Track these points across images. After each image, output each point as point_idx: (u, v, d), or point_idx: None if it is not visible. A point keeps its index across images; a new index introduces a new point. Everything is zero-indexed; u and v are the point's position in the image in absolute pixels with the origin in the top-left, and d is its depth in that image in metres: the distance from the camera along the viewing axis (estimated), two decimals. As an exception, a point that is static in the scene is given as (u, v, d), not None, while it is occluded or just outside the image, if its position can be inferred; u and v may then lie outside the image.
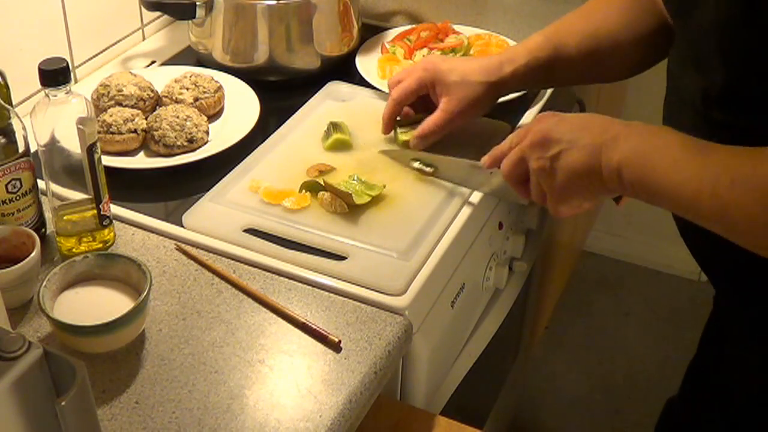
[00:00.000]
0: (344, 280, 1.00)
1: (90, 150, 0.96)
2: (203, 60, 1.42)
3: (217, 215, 1.08)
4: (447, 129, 1.16)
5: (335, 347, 0.93)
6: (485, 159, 1.06)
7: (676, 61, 1.03)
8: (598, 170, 0.92)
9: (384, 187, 1.11)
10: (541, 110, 1.33)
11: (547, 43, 1.15)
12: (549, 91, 1.37)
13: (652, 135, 0.90)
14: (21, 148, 0.97)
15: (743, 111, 0.91)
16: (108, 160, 1.13)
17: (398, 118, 1.22)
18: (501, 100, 1.26)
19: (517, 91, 1.25)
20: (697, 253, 1.09)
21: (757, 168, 0.82)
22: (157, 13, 1.50)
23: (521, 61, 1.15)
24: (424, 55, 1.42)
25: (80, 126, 0.94)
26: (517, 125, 1.29)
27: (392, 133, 1.22)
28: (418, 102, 1.21)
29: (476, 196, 1.14)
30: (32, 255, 0.94)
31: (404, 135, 1.20)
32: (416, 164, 1.15)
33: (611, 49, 1.15)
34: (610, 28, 1.15)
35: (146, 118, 1.21)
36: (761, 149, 0.83)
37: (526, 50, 1.16)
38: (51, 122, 0.95)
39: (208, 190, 1.12)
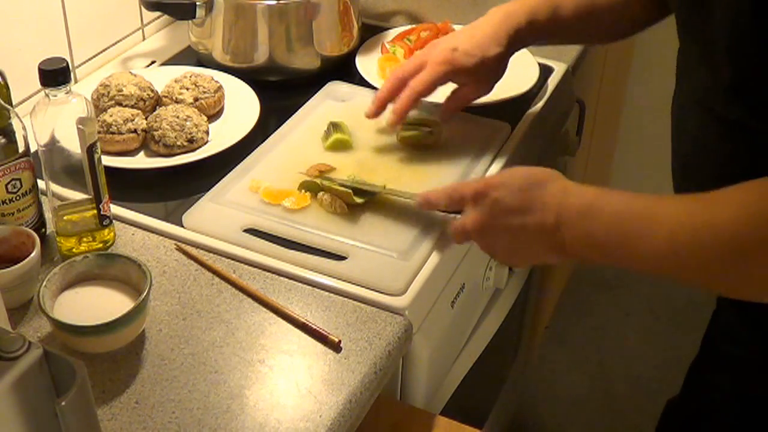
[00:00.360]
0: (344, 280, 1.00)
1: (90, 150, 0.96)
2: (203, 60, 1.42)
3: (217, 215, 1.08)
4: (477, 95, 1.21)
5: (335, 347, 0.93)
6: (421, 202, 1.05)
7: (684, 60, 1.03)
8: (554, 251, 0.92)
9: (384, 187, 1.11)
10: (541, 111, 1.33)
11: (544, 6, 1.16)
12: (549, 91, 1.37)
13: (590, 215, 0.89)
14: (21, 148, 0.97)
15: (753, 108, 0.90)
16: (108, 160, 1.13)
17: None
18: (501, 98, 1.26)
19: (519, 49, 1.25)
20: None
21: (710, 215, 0.82)
22: (157, 13, 1.50)
23: (522, 25, 1.16)
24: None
25: (80, 126, 0.94)
26: (520, 120, 1.29)
27: (390, 128, 1.22)
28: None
29: (476, 196, 1.14)
30: (32, 255, 0.94)
31: (405, 132, 1.20)
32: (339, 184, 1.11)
33: (607, 12, 1.17)
34: None
35: (146, 118, 1.21)
36: (713, 194, 0.82)
37: (524, 12, 1.16)
38: (51, 122, 0.95)
39: (208, 190, 1.12)
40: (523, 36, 1.16)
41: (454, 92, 1.21)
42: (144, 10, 1.44)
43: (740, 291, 0.87)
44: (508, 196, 0.94)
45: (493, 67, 1.17)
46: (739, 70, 0.89)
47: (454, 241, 1.02)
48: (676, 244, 0.83)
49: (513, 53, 1.19)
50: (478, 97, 1.21)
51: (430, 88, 1.16)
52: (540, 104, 1.34)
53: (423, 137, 1.20)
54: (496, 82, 1.20)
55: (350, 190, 1.08)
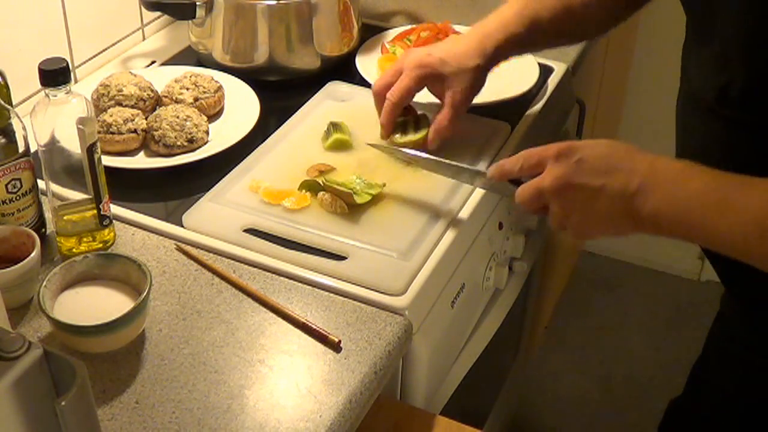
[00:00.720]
0: (344, 280, 1.00)
1: (90, 150, 0.96)
2: (203, 60, 1.42)
3: (217, 215, 1.08)
4: (457, 120, 1.17)
5: (335, 347, 0.93)
6: (493, 170, 1.03)
7: (692, 61, 1.03)
8: (629, 220, 0.90)
9: (384, 185, 1.11)
10: (541, 111, 1.33)
11: (521, 19, 1.15)
12: (549, 91, 1.37)
13: (680, 181, 0.87)
14: (21, 148, 0.97)
15: (763, 109, 0.90)
16: (108, 160, 1.13)
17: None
18: (500, 98, 1.26)
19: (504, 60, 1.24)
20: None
21: None
22: (157, 13, 1.50)
23: (499, 37, 1.15)
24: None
25: (80, 126, 0.94)
26: (520, 120, 1.29)
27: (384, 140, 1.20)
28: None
29: (476, 196, 1.14)
30: (32, 255, 0.94)
31: (400, 139, 1.19)
32: (408, 152, 1.14)
33: (582, 14, 1.16)
34: None
35: (146, 118, 1.21)
36: None
37: (502, 27, 1.15)
38: (51, 122, 0.95)
39: (208, 190, 1.12)
40: (502, 50, 1.15)
41: (436, 121, 1.17)
42: (144, 10, 1.44)
43: None
44: (593, 156, 0.91)
45: (469, 79, 1.14)
46: (753, 70, 0.89)
47: (524, 207, 0.98)
48: (764, 228, 0.81)
49: (492, 67, 1.17)
50: (459, 110, 1.17)
51: (407, 95, 1.16)
52: (540, 104, 1.34)
53: (417, 141, 1.19)
54: (473, 96, 1.17)
55: (351, 191, 1.08)
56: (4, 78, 1.00)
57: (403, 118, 1.20)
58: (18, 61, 1.20)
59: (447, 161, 1.11)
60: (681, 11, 1.05)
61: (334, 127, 1.22)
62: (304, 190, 1.11)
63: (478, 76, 1.15)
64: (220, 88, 1.29)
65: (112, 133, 1.17)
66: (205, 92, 1.27)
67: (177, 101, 1.26)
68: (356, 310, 0.98)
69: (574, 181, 0.92)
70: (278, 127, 1.25)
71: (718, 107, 0.94)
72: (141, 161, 1.18)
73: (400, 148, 1.15)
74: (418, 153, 1.14)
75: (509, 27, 1.15)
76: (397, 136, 1.19)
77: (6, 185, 0.97)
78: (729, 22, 0.90)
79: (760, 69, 0.88)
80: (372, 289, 0.99)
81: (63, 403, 0.60)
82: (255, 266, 1.03)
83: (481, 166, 1.18)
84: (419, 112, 1.22)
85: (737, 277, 1.06)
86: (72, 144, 0.96)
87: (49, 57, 0.93)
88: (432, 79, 1.15)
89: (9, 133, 0.96)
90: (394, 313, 0.97)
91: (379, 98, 1.18)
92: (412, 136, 1.19)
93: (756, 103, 0.91)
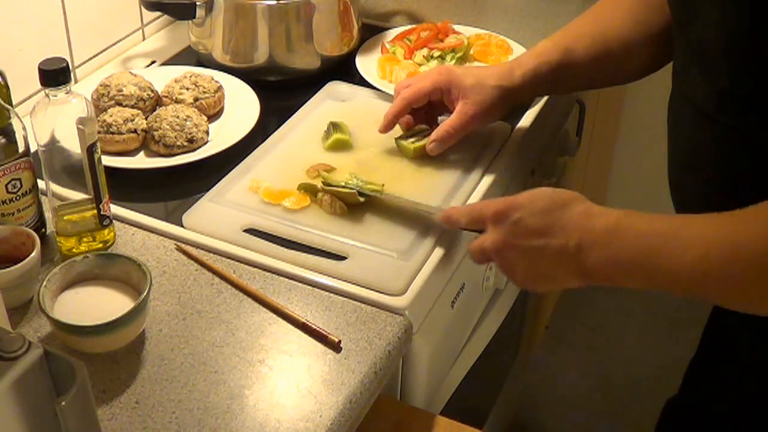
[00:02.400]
0: (344, 280, 1.00)
1: (90, 150, 0.96)
2: (203, 60, 1.42)
3: (217, 215, 1.08)
4: (463, 133, 1.16)
5: (335, 347, 0.93)
6: (442, 218, 1.03)
7: (679, 64, 1.03)
8: (576, 274, 0.91)
9: (383, 185, 1.11)
10: (541, 111, 1.33)
11: (555, 48, 1.15)
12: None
13: (615, 235, 0.88)
14: (21, 148, 0.97)
15: (748, 112, 0.90)
16: (108, 160, 1.13)
17: (406, 123, 1.20)
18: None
19: (530, 97, 1.23)
20: None
21: (739, 233, 0.81)
22: (157, 13, 1.50)
23: (530, 65, 1.14)
24: (423, 56, 1.42)
25: (80, 126, 0.94)
26: (520, 120, 1.29)
27: (393, 139, 1.20)
28: (419, 112, 1.20)
29: (477, 196, 1.14)
30: (32, 255, 0.94)
31: (409, 144, 1.18)
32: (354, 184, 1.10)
33: (621, 50, 1.14)
34: (619, 30, 1.14)
35: (146, 118, 1.21)
36: (738, 212, 0.82)
37: (534, 55, 1.15)
38: (51, 122, 0.95)
39: (208, 190, 1.12)
40: (532, 78, 1.14)
41: (440, 126, 1.17)
42: (144, 10, 1.44)
43: None
44: (529, 217, 0.92)
45: (486, 97, 1.14)
46: (734, 74, 0.89)
47: (473, 260, 1.00)
48: (709, 264, 0.82)
49: (518, 96, 1.16)
50: (467, 122, 1.15)
51: (421, 95, 1.16)
52: (540, 104, 1.34)
53: (418, 149, 1.19)
54: (488, 116, 1.16)
55: (354, 191, 1.07)
56: (4, 78, 1.00)
57: (424, 126, 1.20)
58: (18, 61, 1.20)
59: (406, 200, 1.09)
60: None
61: (334, 127, 1.22)
62: (304, 190, 1.11)
63: (496, 98, 1.14)
64: (220, 88, 1.29)
65: (112, 133, 1.17)
66: (205, 92, 1.27)
67: (177, 101, 1.26)
68: (356, 310, 0.98)
69: (513, 243, 0.93)
70: (278, 127, 1.25)
71: (712, 114, 0.95)
72: (141, 161, 1.18)
73: (356, 189, 1.09)
74: (384, 197, 1.10)
75: (541, 55, 1.15)
76: (407, 139, 1.19)
77: (6, 185, 0.97)
78: (708, 27, 0.90)
79: (741, 74, 0.89)
80: (372, 289, 0.99)
81: (63, 403, 0.60)
82: (255, 266, 1.03)
83: (481, 167, 1.18)
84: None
85: None
86: (72, 144, 0.96)
87: (49, 57, 0.93)
88: (450, 88, 1.15)
89: (9, 133, 0.96)
90: (394, 313, 0.97)
91: (397, 95, 1.18)
92: (418, 142, 1.18)
93: (738, 107, 0.91)
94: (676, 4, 0.99)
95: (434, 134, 1.16)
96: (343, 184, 1.09)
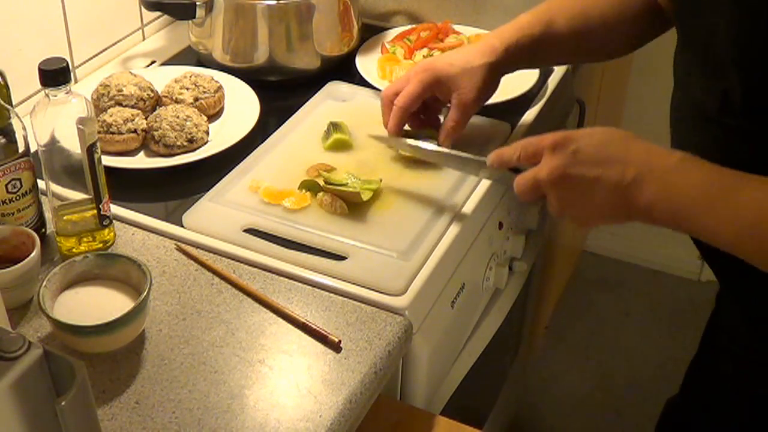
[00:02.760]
0: (344, 280, 1.00)
1: (90, 150, 0.96)
2: (203, 60, 1.42)
3: (217, 215, 1.08)
4: (467, 121, 1.15)
5: (335, 347, 0.93)
6: (493, 159, 1.03)
7: (683, 68, 1.03)
8: (624, 209, 0.91)
9: (380, 180, 1.11)
10: (541, 111, 1.33)
11: (536, 21, 1.14)
12: (549, 91, 1.37)
13: (675, 175, 0.88)
14: (21, 148, 0.97)
15: (754, 115, 0.90)
16: (108, 160, 1.13)
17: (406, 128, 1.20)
18: (501, 99, 1.26)
19: (512, 69, 1.22)
20: (697, 240, 1.08)
21: None
22: (157, 13, 1.50)
23: (512, 38, 1.14)
24: (423, 56, 1.41)
25: (80, 126, 0.94)
26: (518, 124, 1.29)
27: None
28: (414, 113, 1.19)
29: (477, 196, 1.14)
30: (32, 255, 0.94)
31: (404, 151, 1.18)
32: (411, 142, 1.14)
33: (601, 27, 1.14)
34: (599, 7, 1.14)
35: (146, 118, 1.21)
36: None
37: (516, 28, 1.15)
38: (51, 122, 0.95)
39: (208, 190, 1.12)
40: (515, 51, 1.14)
41: (444, 123, 1.16)
42: (144, 10, 1.44)
43: None
44: (590, 146, 0.92)
45: (477, 78, 1.13)
46: (741, 74, 0.89)
47: (521, 197, 0.98)
48: (758, 229, 0.82)
49: (503, 69, 1.16)
50: (468, 111, 1.15)
51: (414, 100, 1.14)
52: (540, 104, 1.34)
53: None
54: (483, 96, 1.16)
55: (358, 191, 1.08)
56: (4, 78, 1.00)
57: (427, 130, 1.19)
58: (18, 61, 1.20)
59: (450, 151, 1.10)
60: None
61: (334, 127, 1.22)
62: (304, 190, 1.11)
63: (486, 75, 1.13)
64: (220, 88, 1.29)
65: (112, 133, 1.17)
66: (205, 92, 1.27)
67: (177, 101, 1.26)
68: (356, 310, 0.98)
69: (570, 172, 0.92)
70: (278, 127, 1.25)
71: (718, 115, 0.94)
72: (141, 161, 1.18)
73: (404, 139, 1.14)
74: (421, 143, 1.13)
75: (523, 28, 1.14)
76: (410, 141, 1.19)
77: (6, 185, 0.97)
78: (716, 32, 0.90)
79: (751, 78, 0.88)
80: (372, 289, 0.99)
81: (63, 403, 0.60)
82: (255, 266, 1.03)
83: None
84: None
85: (734, 275, 1.06)
86: (72, 144, 0.96)
87: (49, 57, 0.93)
88: (439, 83, 1.14)
89: (9, 133, 0.96)
90: (394, 313, 0.97)
91: (387, 105, 1.17)
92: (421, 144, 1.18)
93: (746, 110, 0.91)
94: (681, 5, 0.99)
95: (441, 135, 1.16)
96: (345, 183, 1.09)
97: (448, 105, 1.16)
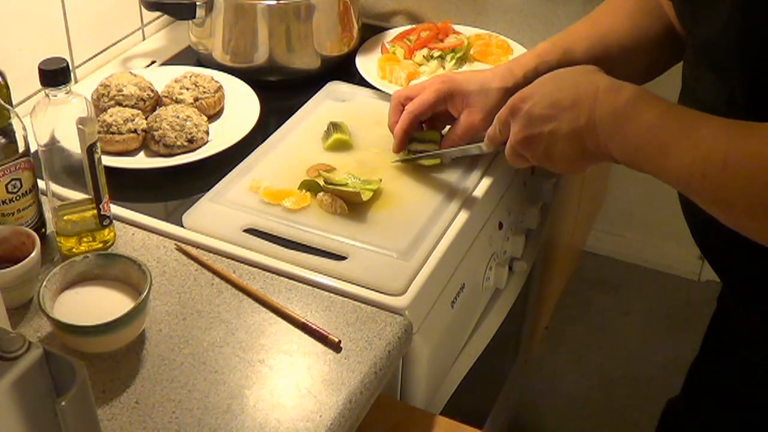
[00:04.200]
0: (344, 280, 1.00)
1: (90, 150, 0.96)
2: (203, 60, 1.42)
3: (217, 215, 1.08)
4: (470, 139, 1.16)
5: (335, 347, 0.93)
6: (486, 143, 1.08)
7: (688, 66, 1.03)
8: (589, 153, 0.94)
9: (380, 180, 1.11)
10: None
11: (554, 49, 1.15)
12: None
13: (624, 115, 0.89)
14: (21, 148, 0.97)
15: (763, 111, 0.90)
16: (108, 160, 1.13)
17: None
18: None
19: None
20: (695, 233, 1.08)
21: (753, 146, 0.80)
22: (157, 13, 1.50)
23: (530, 65, 1.15)
24: (423, 56, 1.42)
25: (80, 126, 0.94)
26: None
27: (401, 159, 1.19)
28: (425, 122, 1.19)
29: (476, 196, 1.14)
30: (32, 255, 0.94)
31: (424, 162, 1.17)
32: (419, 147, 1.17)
33: (619, 55, 1.15)
34: (617, 34, 1.15)
35: (146, 118, 1.21)
36: (758, 125, 0.81)
37: (534, 55, 1.16)
38: (51, 122, 0.95)
39: (208, 190, 1.12)
40: (532, 78, 1.12)
41: (451, 128, 1.17)
42: (144, 10, 1.44)
43: (762, 230, 0.84)
44: (537, 104, 0.96)
45: (491, 100, 1.13)
46: (749, 78, 0.89)
47: (513, 165, 1.05)
48: (708, 167, 0.82)
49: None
50: (474, 130, 1.15)
51: (426, 108, 1.14)
52: (540, 104, 1.34)
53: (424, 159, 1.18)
54: (492, 119, 1.13)
55: (358, 191, 1.08)
56: (4, 78, 1.01)
57: (432, 132, 1.19)
58: (18, 61, 1.20)
59: (463, 147, 1.14)
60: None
61: (334, 127, 1.22)
62: (304, 190, 1.11)
63: (499, 99, 1.13)
64: (220, 88, 1.29)
65: (112, 133, 1.17)
66: (205, 92, 1.27)
67: (177, 101, 1.26)
68: (356, 310, 0.98)
69: (529, 134, 0.97)
70: (278, 127, 1.25)
71: (726, 113, 0.94)
72: (141, 161, 1.18)
73: (424, 153, 1.16)
74: (439, 151, 1.16)
75: (541, 56, 1.15)
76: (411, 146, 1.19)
77: (6, 185, 0.97)
78: (721, 32, 0.90)
79: (759, 75, 0.88)
80: (372, 289, 0.99)
81: (63, 403, 0.60)
82: (255, 266, 1.03)
83: (481, 167, 1.18)
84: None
85: (736, 273, 1.06)
86: (72, 144, 0.96)
87: (49, 57, 0.93)
88: (453, 96, 1.14)
89: (9, 133, 0.96)
90: (394, 313, 0.97)
91: (396, 106, 1.17)
92: (425, 146, 1.18)
93: (761, 109, 0.91)
94: (681, 5, 0.99)
95: (443, 145, 1.16)
96: (345, 183, 1.09)
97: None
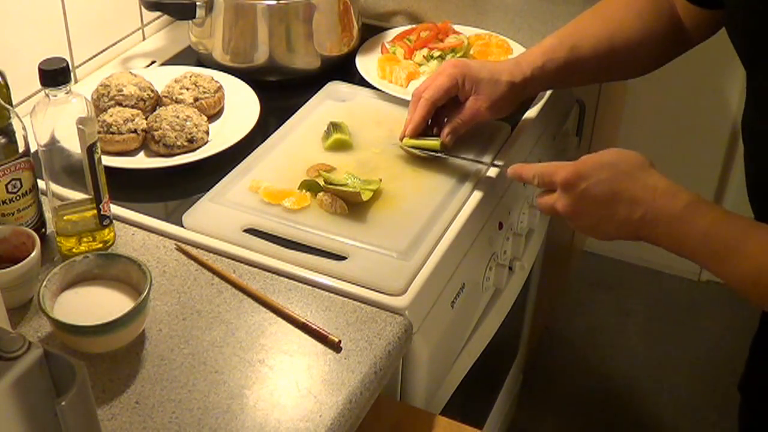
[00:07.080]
0: (344, 280, 1.00)
1: (90, 150, 0.96)
2: (203, 60, 1.42)
3: (217, 215, 1.08)
4: (472, 125, 1.18)
5: (335, 347, 0.93)
6: (512, 173, 1.08)
7: (758, 91, 1.01)
8: (634, 238, 0.98)
9: (380, 180, 1.11)
10: (541, 110, 1.33)
11: (561, 46, 1.17)
12: (549, 91, 1.37)
13: (679, 221, 0.93)
14: (21, 148, 0.97)
15: None
16: (108, 160, 1.13)
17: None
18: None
19: (535, 93, 1.25)
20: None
21: None
22: (157, 13, 1.50)
23: (538, 62, 1.16)
24: (423, 56, 1.42)
25: (80, 126, 0.94)
26: (520, 120, 1.29)
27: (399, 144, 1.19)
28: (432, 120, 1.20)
29: (476, 196, 1.14)
30: (32, 255, 0.94)
31: (425, 142, 1.17)
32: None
33: (626, 51, 1.16)
34: (625, 33, 1.16)
35: (146, 118, 1.21)
36: None
37: (541, 52, 1.17)
38: (51, 122, 0.95)
39: (208, 190, 1.12)
40: (540, 74, 1.16)
41: (456, 112, 1.17)
42: (144, 10, 1.44)
43: None
44: (595, 187, 0.97)
45: (499, 92, 1.15)
46: None
47: (541, 212, 1.08)
48: (761, 278, 0.87)
49: (525, 91, 1.18)
50: (479, 117, 1.17)
51: (442, 93, 1.15)
52: (540, 104, 1.34)
53: (431, 145, 1.18)
54: (497, 110, 1.18)
55: (358, 191, 1.08)
56: (4, 78, 1.00)
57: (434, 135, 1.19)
58: (18, 61, 1.20)
59: (455, 158, 1.16)
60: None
61: (334, 127, 1.22)
62: (304, 190, 1.11)
63: (506, 93, 1.16)
64: (220, 88, 1.29)
65: (112, 133, 1.17)
66: (205, 92, 1.27)
67: (177, 101, 1.26)
68: (356, 310, 0.98)
69: (580, 211, 0.99)
70: (278, 127, 1.25)
71: None
72: (141, 161, 1.18)
73: (427, 151, 1.17)
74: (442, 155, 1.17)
75: (547, 52, 1.17)
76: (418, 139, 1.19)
77: (6, 185, 0.97)
78: None
79: None
80: (372, 289, 0.99)
81: (63, 403, 0.60)
82: (255, 266, 1.03)
83: (481, 167, 1.18)
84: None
85: None
86: (72, 144, 0.96)
87: (49, 57, 0.93)
88: (465, 80, 1.15)
89: (9, 133, 0.96)
90: (394, 313, 0.97)
91: (416, 102, 1.18)
92: (425, 142, 1.18)
93: None
94: (744, 47, 0.99)
95: (447, 128, 1.17)
96: (345, 183, 1.09)
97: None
